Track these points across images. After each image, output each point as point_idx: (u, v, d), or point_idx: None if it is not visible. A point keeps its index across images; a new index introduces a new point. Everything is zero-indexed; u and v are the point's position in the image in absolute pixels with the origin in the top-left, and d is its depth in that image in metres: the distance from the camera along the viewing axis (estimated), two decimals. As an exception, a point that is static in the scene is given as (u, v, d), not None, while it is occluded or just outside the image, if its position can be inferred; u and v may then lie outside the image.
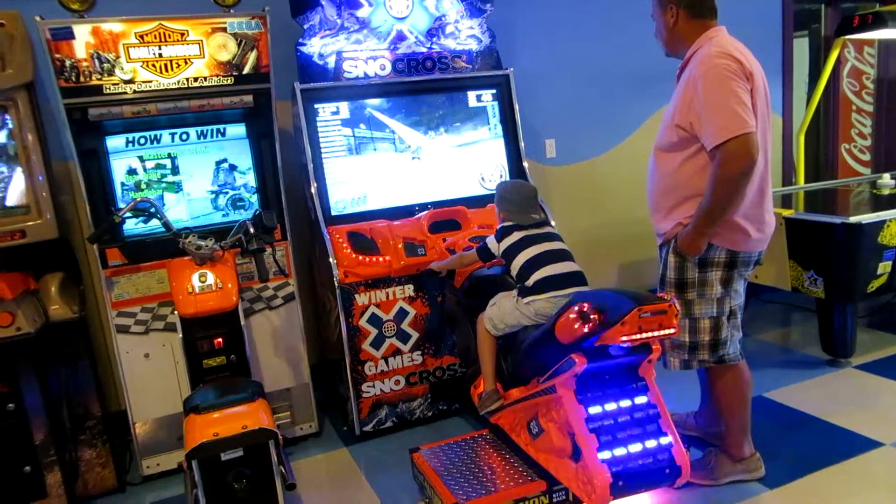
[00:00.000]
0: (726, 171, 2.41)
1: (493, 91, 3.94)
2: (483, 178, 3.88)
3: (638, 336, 2.23)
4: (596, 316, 2.23)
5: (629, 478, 2.33)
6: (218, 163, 3.36)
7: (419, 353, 3.55)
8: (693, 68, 2.53)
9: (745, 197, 2.54)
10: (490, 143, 3.92)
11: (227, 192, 3.38)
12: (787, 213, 4.04)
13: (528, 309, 2.75)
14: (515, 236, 2.89)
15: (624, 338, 2.22)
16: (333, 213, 3.55)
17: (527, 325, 2.79)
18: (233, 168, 3.39)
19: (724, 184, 2.44)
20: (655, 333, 2.25)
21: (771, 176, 2.67)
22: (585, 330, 2.25)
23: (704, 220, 2.53)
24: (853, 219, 3.72)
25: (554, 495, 2.63)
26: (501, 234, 2.93)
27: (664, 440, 2.41)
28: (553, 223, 3.17)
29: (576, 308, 2.30)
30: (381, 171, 3.69)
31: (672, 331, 2.26)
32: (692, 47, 2.62)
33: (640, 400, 2.46)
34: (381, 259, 3.40)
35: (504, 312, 2.84)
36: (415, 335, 3.53)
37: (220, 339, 2.86)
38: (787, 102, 5.54)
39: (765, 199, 2.65)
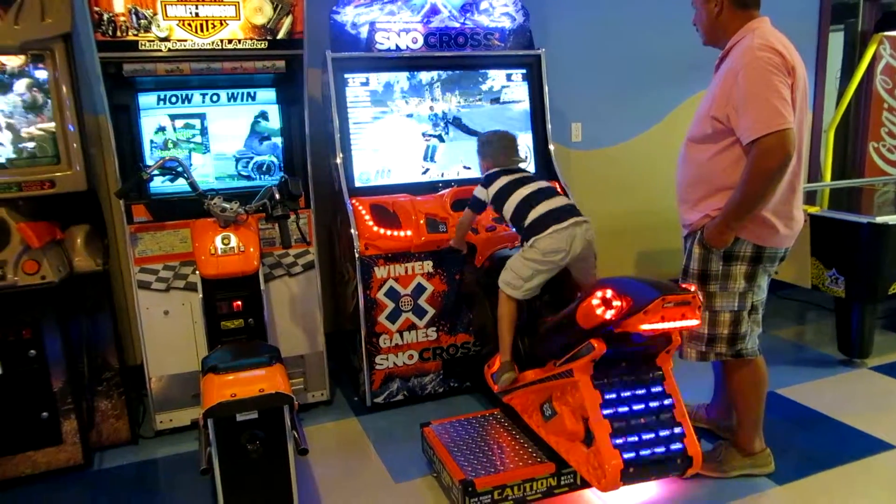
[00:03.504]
0: (761, 167, 2.38)
1: (524, 71, 3.91)
2: (508, 158, 3.86)
3: (660, 326, 2.23)
4: (620, 303, 2.23)
5: (640, 465, 2.35)
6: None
7: (434, 329, 3.57)
8: (734, 60, 2.49)
9: (776, 192, 2.50)
10: (517, 123, 3.89)
11: (252, 157, 3.39)
12: (812, 210, 4.00)
13: (535, 251, 2.79)
14: (503, 180, 2.97)
15: (646, 326, 2.23)
16: (357, 184, 3.55)
17: (541, 299, 2.80)
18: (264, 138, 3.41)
19: (758, 179, 2.41)
20: (678, 324, 2.25)
21: (802, 172, 2.64)
22: (608, 316, 2.26)
23: (734, 214, 2.50)
24: (879, 219, 3.68)
25: (563, 478, 2.65)
26: (488, 181, 3.02)
27: (677, 430, 2.42)
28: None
29: (599, 294, 2.29)
30: (406, 145, 3.68)
31: (695, 322, 2.26)
32: (734, 38, 2.57)
33: (656, 389, 2.48)
34: (402, 233, 3.40)
35: (516, 267, 2.89)
36: (431, 311, 3.53)
37: (239, 302, 2.87)
38: (818, 98, 5.46)
39: (795, 196, 2.62)
